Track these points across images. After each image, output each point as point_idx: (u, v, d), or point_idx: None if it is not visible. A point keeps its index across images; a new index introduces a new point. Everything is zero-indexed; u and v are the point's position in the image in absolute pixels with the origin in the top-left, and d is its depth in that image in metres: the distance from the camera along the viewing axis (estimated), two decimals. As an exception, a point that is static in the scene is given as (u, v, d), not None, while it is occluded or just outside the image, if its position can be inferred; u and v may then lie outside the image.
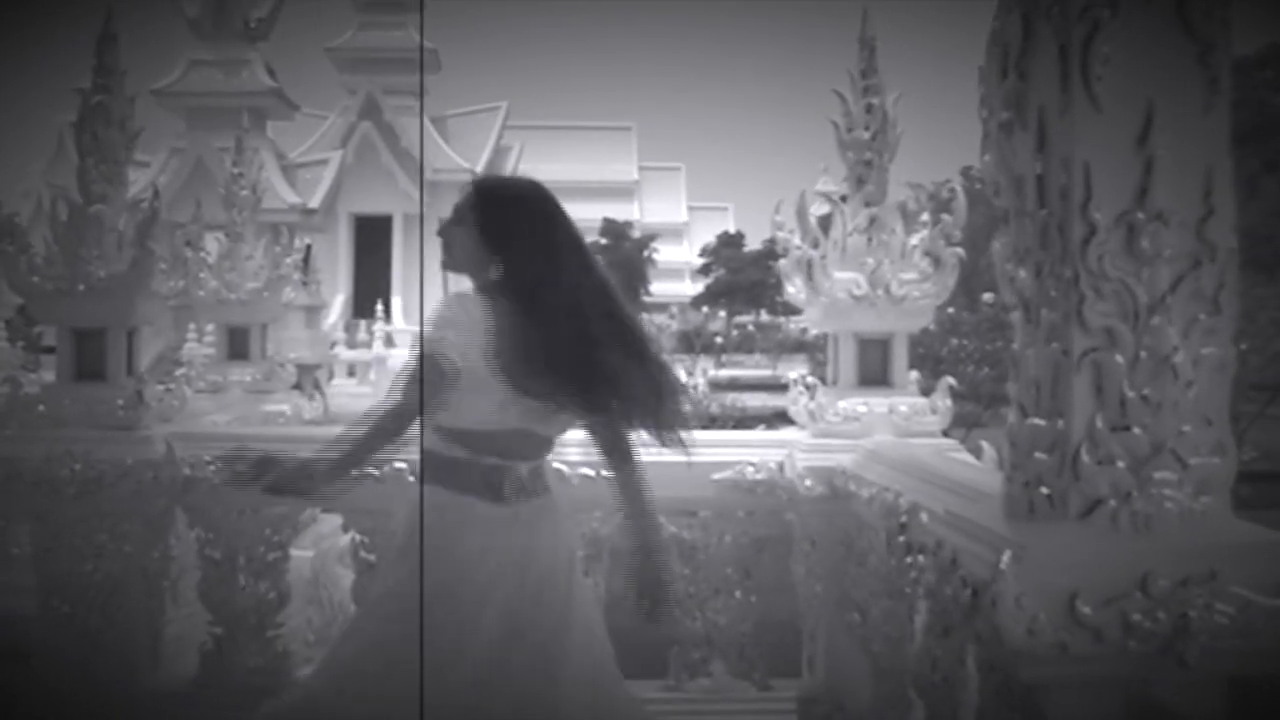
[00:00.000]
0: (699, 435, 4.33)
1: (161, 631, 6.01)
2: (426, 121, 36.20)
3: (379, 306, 28.69)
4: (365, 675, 3.65)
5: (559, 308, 3.64)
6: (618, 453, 3.85)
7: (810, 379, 5.73)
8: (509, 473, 3.74)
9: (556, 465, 4.51)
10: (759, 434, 6.94)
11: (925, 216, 5.64)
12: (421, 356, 3.57)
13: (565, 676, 3.71)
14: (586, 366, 3.64)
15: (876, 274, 5.50)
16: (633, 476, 3.86)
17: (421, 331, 3.69)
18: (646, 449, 3.92)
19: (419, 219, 34.28)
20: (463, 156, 35.18)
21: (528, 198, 3.83)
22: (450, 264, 3.83)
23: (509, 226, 3.75)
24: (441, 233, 3.84)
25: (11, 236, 5.72)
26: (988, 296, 24.84)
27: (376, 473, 5.31)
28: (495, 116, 38.70)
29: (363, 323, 28.60)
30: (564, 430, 3.83)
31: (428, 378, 3.56)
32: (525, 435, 3.74)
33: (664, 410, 3.80)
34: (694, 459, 4.31)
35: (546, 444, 3.84)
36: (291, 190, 32.04)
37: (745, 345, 52.86)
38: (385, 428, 3.73)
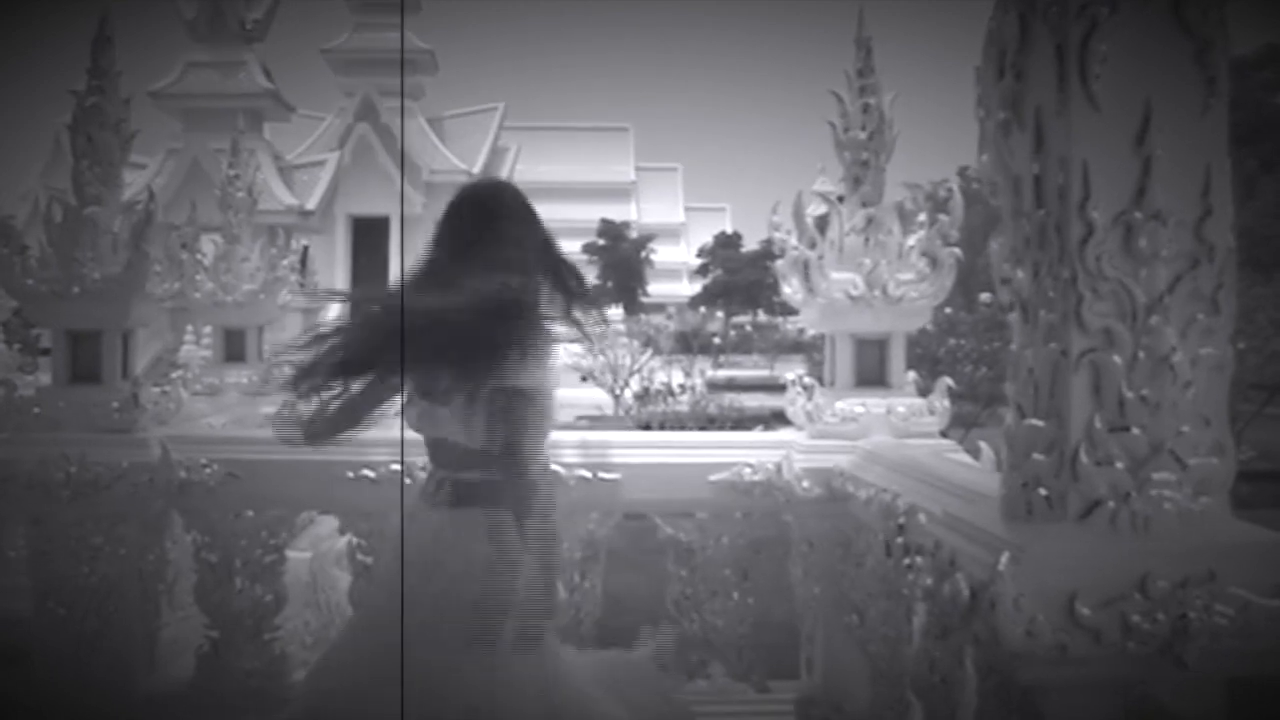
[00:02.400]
0: (696, 436, 4.33)
1: (158, 634, 6.00)
2: (423, 122, 36.16)
3: (358, 307, 28.64)
4: (351, 681, 3.76)
5: (423, 307, 3.69)
6: (505, 462, 3.79)
7: (807, 380, 5.72)
8: (433, 478, 3.94)
9: (553, 467, 4.48)
10: (756, 435, 6.93)
11: (922, 217, 5.63)
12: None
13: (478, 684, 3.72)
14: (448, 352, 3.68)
15: (873, 274, 5.49)
16: (520, 489, 3.81)
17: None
18: (646, 449, 3.94)
19: (415, 220, 34.26)
20: (460, 157, 35.15)
21: (484, 199, 4.02)
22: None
23: (438, 228, 3.95)
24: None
25: (6, 239, 5.72)
26: (985, 296, 24.83)
27: (372, 475, 5.32)
28: (492, 117, 38.67)
29: (360, 324, 28.53)
30: (478, 440, 3.79)
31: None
32: (440, 443, 3.88)
33: (514, 423, 3.76)
34: (691, 460, 4.31)
35: (467, 455, 3.82)
36: (288, 192, 32.01)
37: (743, 346, 52.86)
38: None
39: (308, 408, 3.89)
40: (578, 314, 3.92)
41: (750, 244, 62.53)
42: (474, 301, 3.65)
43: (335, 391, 3.80)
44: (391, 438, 5.40)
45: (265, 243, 10.03)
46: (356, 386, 3.83)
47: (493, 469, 3.78)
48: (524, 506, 3.77)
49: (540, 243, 3.93)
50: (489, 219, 3.88)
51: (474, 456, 3.79)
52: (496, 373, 3.66)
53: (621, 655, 4.20)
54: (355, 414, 3.92)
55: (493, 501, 3.81)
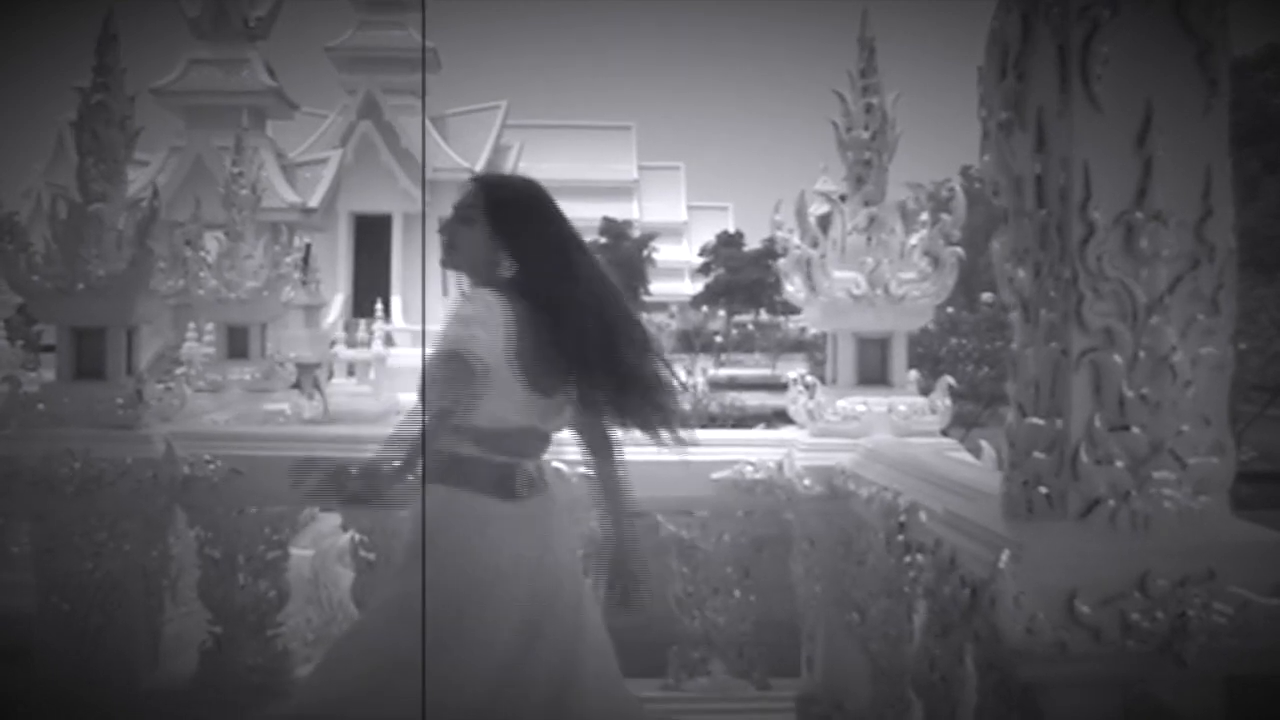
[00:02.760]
0: (698, 434, 4.34)
1: (161, 630, 6.02)
2: (426, 120, 36.17)
3: (378, 305, 28.68)
4: (374, 677, 3.61)
5: (571, 305, 3.67)
6: (604, 449, 3.87)
7: (809, 378, 5.73)
8: (519, 470, 3.74)
9: (556, 464, 4.50)
10: (758, 433, 6.95)
11: (924, 216, 5.64)
12: (448, 354, 3.55)
13: (581, 676, 3.72)
14: (597, 363, 3.69)
15: (875, 273, 5.50)
16: (615, 472, 3.89)
17: (422, 330, 3.75)
18: (645, 448, 3.93)
19: (418, 217, 34.26)
20: (462, 156, 35.14)
21: (536, 195, 3.84)
22: (452, 263, 3.81)
23: (521, 224, 3.76)
24: (445, 231, 3.81)
25: (11, 235, 5.73)
26: (987, 296, 24.87)
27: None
28: (495, 115, 38.66)
29: (362, 322, 28.54)
30: (562, 428, 3.83)
31: (457, 376, 3.55)
32: (532, 432, 3.75)
33: (664, 408, 3.81)
34: (693, 458, 4.31)
35: (547, 441, 3.84)
36: (291, 189, 32.02)
37: (744, 344, 52.89)
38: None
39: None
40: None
41: (752, 243, 62.47)
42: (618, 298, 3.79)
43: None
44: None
45: (268, 240, 10.06)
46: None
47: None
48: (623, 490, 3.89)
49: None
50: (557, 217, 3.87)
51: (548, 443, 3.84)
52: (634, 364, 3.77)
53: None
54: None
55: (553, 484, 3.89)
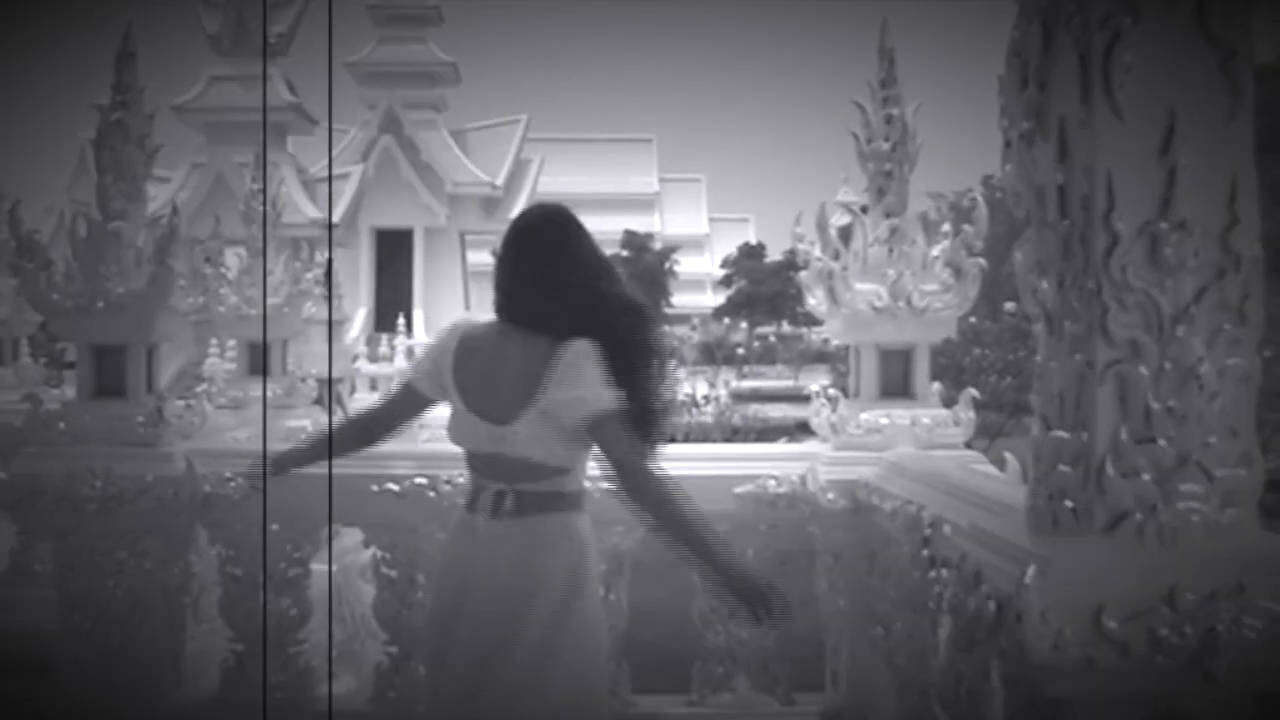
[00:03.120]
0: (721, 448, 4.35)
1: (183, 648, 6.01)
2: (446, 135, 36.17)
3: (400, 320, 28.71)
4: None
5: (538, 331, 3.77)
6: (626, 472, 3.77)
7: (832, 391, 5.71)
8: (488, 492, 3.84)
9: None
10: (780, 447, 6.92)
11: (946, 227, 5.62)
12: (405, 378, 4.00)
13: (548, 695, 3.74)
14: (536, 390, 3.71)
15: (898, 285, 5.48)
16: (652, 491, 3.77)
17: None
18: (666, 463, 3.92)
19: (439, 232, 34.29)
20: (483, 169, 35.10)
21: (532, 225, 3.94)
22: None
23: (512, 255, 3.90)
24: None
25: (31, 254, 5.74)
26: (1010, 306, 24.79)
27: (396, 488, 5.33)
28: (516, 129, 38.62)
29: (384, 336, 28.57)
30: (551, 457, 3.79)
31: (407, 401, 4.03)
32: (498, 459, 3.81)
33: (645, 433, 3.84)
34: (716, 472, 4.30)
35: (533, 468, 3.80)
36: (312, 205, 32.04)
37: (767, 356, 52.80)
38: (353, 431, 4.21)
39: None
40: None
41: (774, 255, 62.50)
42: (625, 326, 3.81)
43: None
44: (415, 451, 5.42)
45: (289, 256, 10.06)
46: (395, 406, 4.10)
47: (562, 480, 3.85)
48: (670, 508, 3.78)
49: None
50: (575, 247, 3.89)
51: (539, 469, 3.79)
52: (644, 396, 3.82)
53: None
54: (378, 433, 4.15)
55: (562, 506, 3.87)
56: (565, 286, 3.78)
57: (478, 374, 3.81)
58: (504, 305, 3.88)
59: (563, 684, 3.76)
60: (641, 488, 3.74)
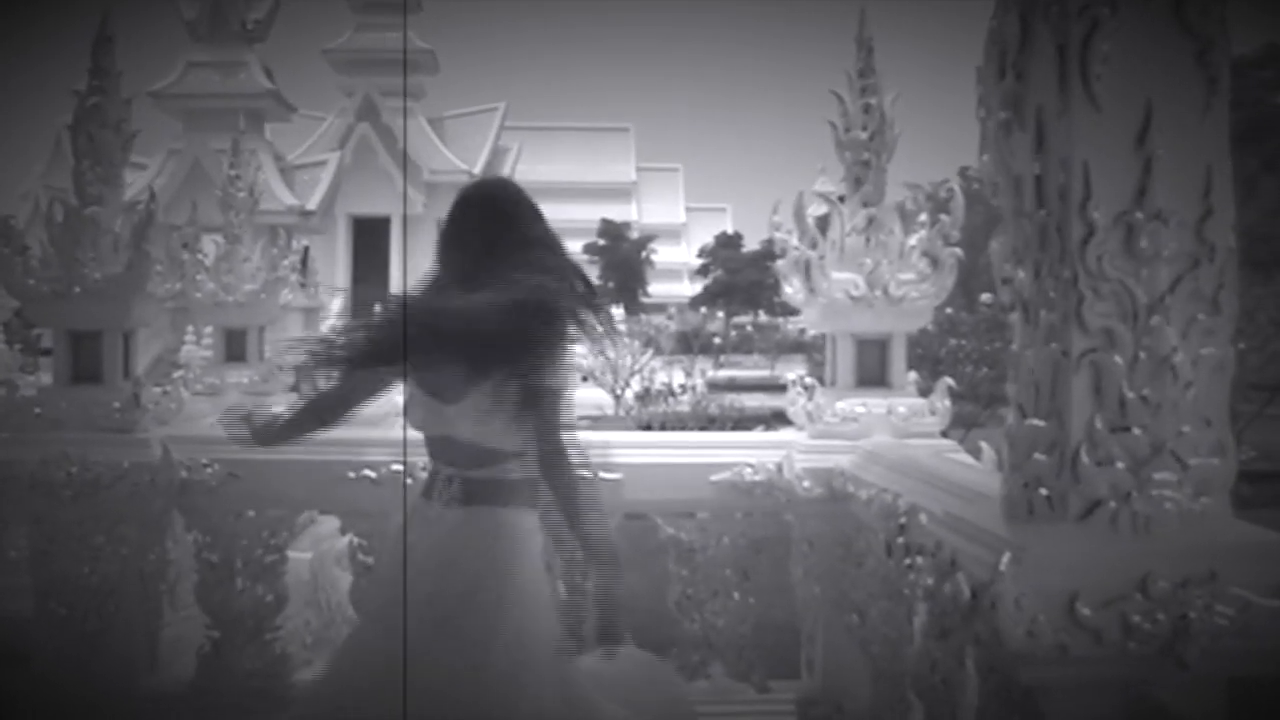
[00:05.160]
0: (697, 437, 4.34)
1: (159, 634, 6.01)
2: (424, 123, 36.14)
3: (377, 308, 28.70)
4: (355, 675, 3.78)
5: (478, 311, 3.69)
6: (549, 462, 3.78)
7: (808, 380, 5.72)
8: (438, 477, 3.87)
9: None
10: (757, 435, 6.93)
11: (923, 217, 5.63)
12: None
13: (495, 685, 3.69)
14: (498, 371, 3.68)
15: (874, 274, 5.49)
16: (566, 488, 3.79)
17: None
18: (647, 450, 3.94)
19: (416, 220, 34.26)
20: (460, 158, 35.12)
21: (460, 199, 3.98)
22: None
23: (451, 229, 3.93)
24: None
25: (7, 239, 5.72)
26: (986, 297, 24.82)
27: (373, 475, 5.32)
28: (493, 117, 38.62)
29: (361, 324, 28.53)
30: (495, 439, 3.77)
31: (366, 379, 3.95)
32: (450, 442, 3.81)
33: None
34: (692, 460, 4.30)
35: (480, 453, 3.79)
36: (289, 191, 31.97)
37: (743, 346, 52.78)
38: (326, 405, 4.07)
39: (263, 411, 4.19)
40: (586, 316, 3.88)
41: (751, 244, 62.45)
42: (514, 301, 3.66)
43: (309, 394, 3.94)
44: (392, 438, 5.41)
45: (266, 243, 10.07)
46: (343, 384, 3.97)
47: (510, 466, 3.80)
48: (573, 503, 3.76)
49: (553, 242, 3.92)
50: (506, 219, 3.86)
51: (487, 454, 3.78)
52: (533, 371, 3.68)
53: (630, 656, 4.15)
54: (331, 413, 4.07)
55: (508, 499, 3.82)
56: (512, 261, 3.75)
57: (429, 355, 3.74)
58: (452, 279, 3.85)
59: (495, 681, 3.71)
60: (559, 478, 3.77)
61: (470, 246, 3.84)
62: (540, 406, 3.69)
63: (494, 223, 3.86)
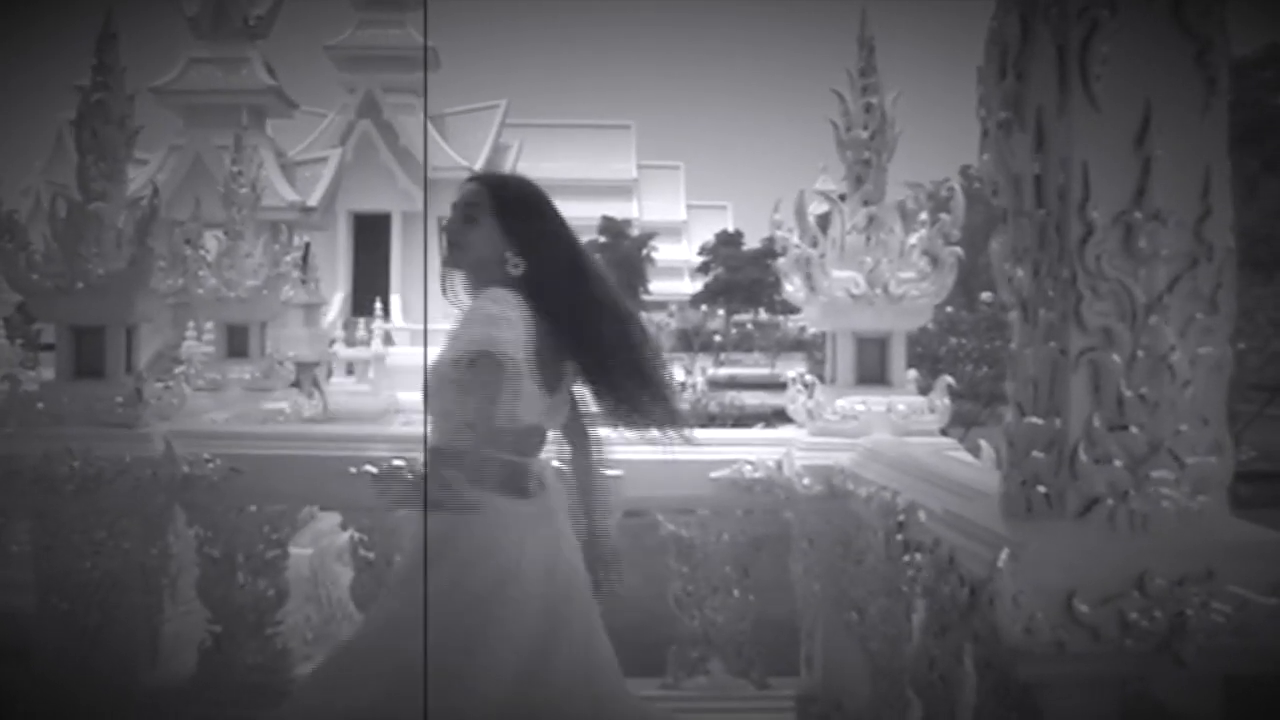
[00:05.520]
0: (698, 433, 4.34)
1: (160, 629, 6.02)
2: (426, 120, 36.11)
3: (378, 304, 28.67)
4: (381, 687, 3.55)
5: (581, 302, 3.71)
6: (585, 444, 3.94)
7: (808, 377, 5.73)
8: (529, 468, 3.75)
9: (554, 464, 4.48)
10: (757, 433, 6.94)
11: (924, 215, 5.64)
12: (480, 355, 3.49)
13: (596, 682, 3.73)
14: (609, 361, 3.74)
15: (875, 273, 5.50)
16: (595, 467, 3.97)
17: (424, 329, 3.77)
18: (643, 447, 3.94)
19: (415, 216, 34.26)
20: (461, 155, 35.07)
21: (540, 194, 3.86)
22: (456, 262, 3.80)
23: (530, 222, 3.77)
24: (450, 231, 3.79)
25: (11, 234, 5.72)
26: (986, 295, 24.85)
27: (374, 470, 5.32)
28: (494, 115, 38.59)
29: (361, 320, 28.51)
30: (559, 425, 3.85)
31: (492, 377, 3.49)
32: (536, 431, 3.75)
33: (671, 405, 3.86)
34: (692, 457, 4.30)
35: (545, 439, 3.84)
36: (290, 188, 31.93)
37: (744, 344, 52.76)
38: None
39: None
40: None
41: (752, 242, 62.38)
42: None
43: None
44: (392, 434, 5.43)
45: (268, 239, 10.06)
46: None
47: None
48: (595, 494, 3.93)
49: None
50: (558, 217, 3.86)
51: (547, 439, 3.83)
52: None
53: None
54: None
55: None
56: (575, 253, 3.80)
57: (538, 344, 3.62)
58: (531, 275, 3.72)
59: (611, 664, 3.84)
60: (592, 457, 3.94)
61: (552, 241, 3.80)
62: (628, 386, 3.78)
63: (553, 220, 3.85)
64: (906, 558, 3.84)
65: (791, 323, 48.05)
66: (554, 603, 3.65)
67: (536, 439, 3.78)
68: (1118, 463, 2.96)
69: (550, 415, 3.75)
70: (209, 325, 11.15)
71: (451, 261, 3.81)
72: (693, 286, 66.76)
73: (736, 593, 5.78)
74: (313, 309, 26.78)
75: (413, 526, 3.87)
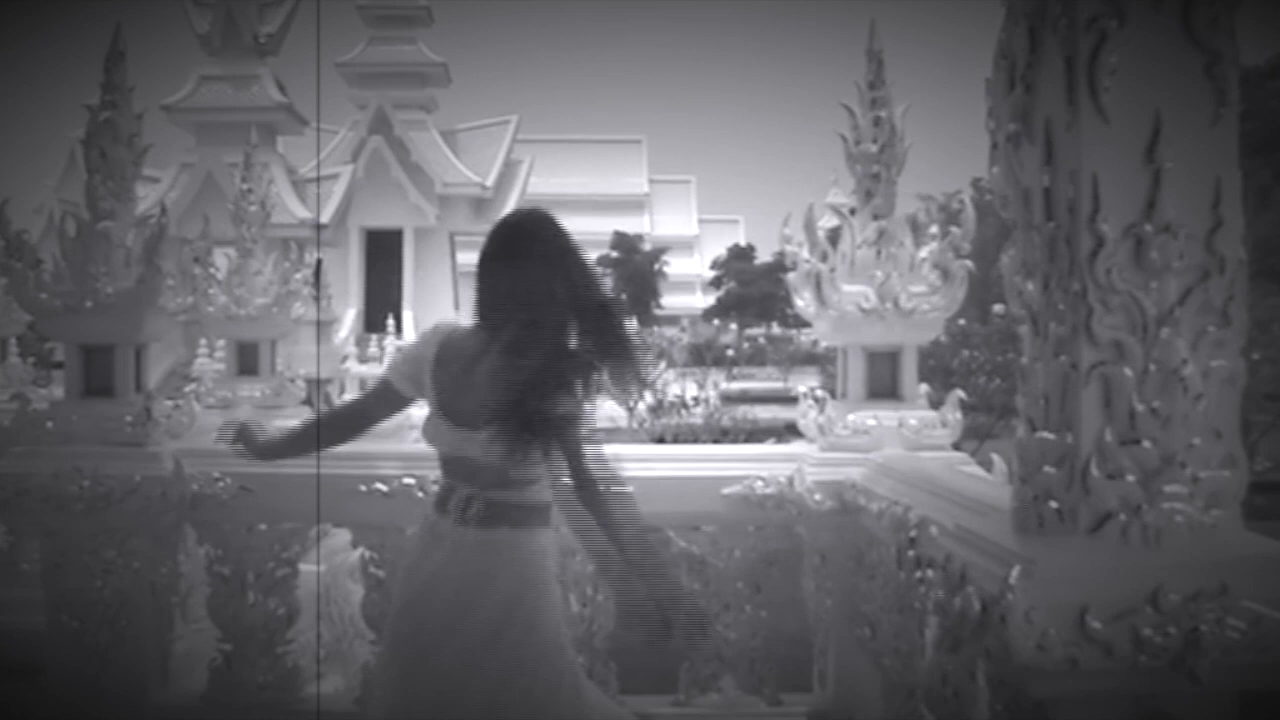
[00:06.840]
0: (709, 449, 4.35)
1: (170, 648, 6.00)
2: (436, 135, 36.15)
3: (390, 321, 28.74)
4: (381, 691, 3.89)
5: (515, 340, 3.72)
6: (584, 485, 3.81)
7: (820, 392, 5.72)
8: (458, 495, 3.84)
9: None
10: (768, 448, 6.92)
11: (934, 229, 5.63)
12: (382, 376, 3.98)
13: (522, 704, 3.75)
14: (511, 402, 3.68)
15: (885, 287, 5.49)
16: (604, 504, 3.81)
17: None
18: (654, 463, 3.95)
19: (428, 232, 34.30)
20: (473, 170, 35.12)
21: (515, 232, 3.90)
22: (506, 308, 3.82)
23: (496, 262, 3.85)
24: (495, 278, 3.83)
25: (20, 253, 5.73)
26: (998, 308, 24.81)
27: (385, 488, 5.32)
28: (505, 130, 38.63)
29: (373, 337, 28.59)
30: (518, 465, 3.73)
31: (384, 398, 4.01)
32: (470, 463, 3.80)
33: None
34: (703, 473, 4.29)
35: (501, 475, 3.78)
36: (301, 205, 31.99)
37: (756, 358, 52.69)
38: (331, 426, 4.20)
39: (257, 425, 4.34)
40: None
41: (764, 256, 62.61)
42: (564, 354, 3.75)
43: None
44: (403, 451, 5.42)
45: (278, 256, 10.06)
46: (364, 400, 4.18)
47: (529, 488, 3.83)
48: (612, 522, 3.79)
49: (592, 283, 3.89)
50: (556, 256, 3.81)
51: (506, 477, 3.77)
52: (555, 405, 3.70)
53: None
54: (349, 428, 4.18)
55: (525, 520, 3.86)
56: (548, 295, 3.72)
57: (455, 377, 3.80)
58: (484, 310, 3.82)
59: (519, 703, 3.76)
60: (596, 501, 3.78)
61: (514, 281, 3.76)
62: (564, 436, 3.71)
63: (541, 260, 3.77)
64: (918, 573, 3.82)
65: (804, 337, 48.06)
66: (477, 630, 3.74)
67: (476, 470, 3.80)
68: (1130, 477, 2.94)
69: (486, 449, 3.71)
70: (220, 343, 11.18)
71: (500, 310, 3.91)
72: (705, 301, 66.97)
73: (748, 609, 5.76)
74: (324, 326, 26.82)
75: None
